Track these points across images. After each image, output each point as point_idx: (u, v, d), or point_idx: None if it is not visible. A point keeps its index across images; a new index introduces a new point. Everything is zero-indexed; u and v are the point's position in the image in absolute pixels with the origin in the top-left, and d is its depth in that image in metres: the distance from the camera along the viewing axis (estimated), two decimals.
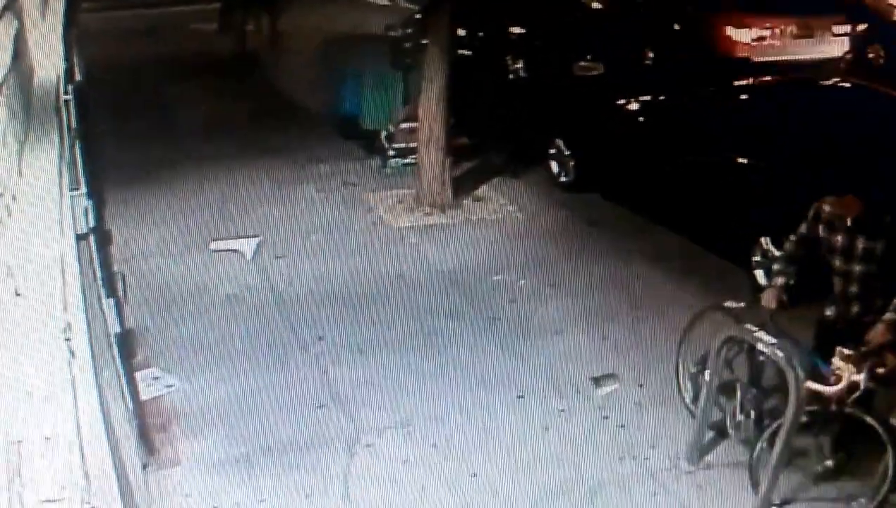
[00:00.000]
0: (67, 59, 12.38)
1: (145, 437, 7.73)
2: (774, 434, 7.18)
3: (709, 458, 7.85)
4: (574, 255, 11.68)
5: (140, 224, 12.34)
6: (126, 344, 8.17)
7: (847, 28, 14.66)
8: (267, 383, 8.97)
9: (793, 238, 7.76)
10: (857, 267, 7.42)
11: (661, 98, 12.69)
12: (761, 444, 7.33)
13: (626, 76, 13.68)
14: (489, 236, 12.41)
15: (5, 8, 8.58)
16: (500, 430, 8.25)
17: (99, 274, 7.54)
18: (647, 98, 12.74)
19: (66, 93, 10.09)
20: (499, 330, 9.96)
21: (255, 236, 12.07)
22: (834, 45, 14.66)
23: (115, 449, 4.61)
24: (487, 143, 15.11)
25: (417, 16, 16.28)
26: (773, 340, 7.20)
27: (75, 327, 4.68)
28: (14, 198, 5.76)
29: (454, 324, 10.08)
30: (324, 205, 13.43)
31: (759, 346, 7.30)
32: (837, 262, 7.50)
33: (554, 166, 13.95)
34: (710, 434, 7.92)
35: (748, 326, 7.44)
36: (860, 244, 7.37)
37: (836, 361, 6.90)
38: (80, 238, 6.67)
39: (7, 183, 5.79)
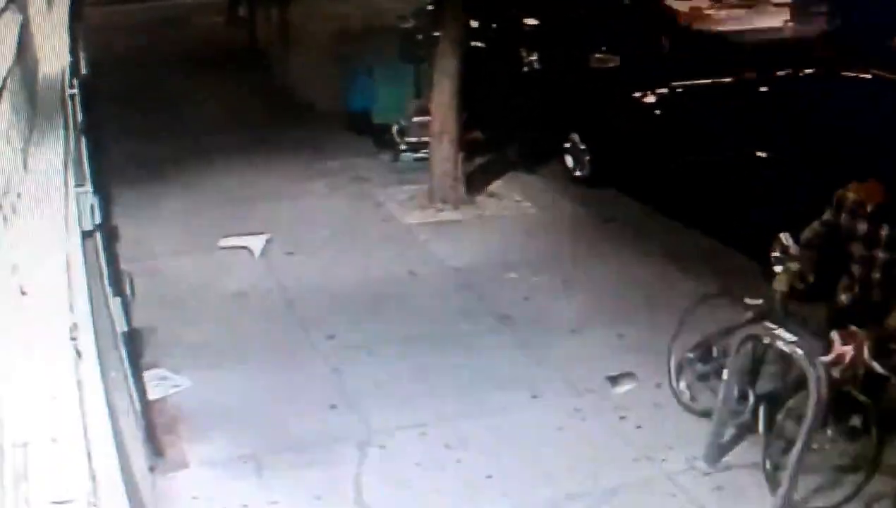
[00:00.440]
0: (73, 52, 12.37)
1: (153, 438, 7.74)
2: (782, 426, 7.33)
3: (727, 459, 7.84)
4: (589, 252, 11.68)
5: (147, 221, 12.37)
6: (133, 343, 8.18)
7: None
8: (276, 383, 8.98)
9: (814, 224, 7.78)
10: (880, 254, 7.45)
11: (679, 90, 12.68)
12: (771, 436, 7.48)
13: (642, 68, 13.66)
14: (503, 232, 12.41)
15: (10, 1, 8.59)
16: (515, 431, 8.25)
17: (105, 272, 7.55)
18: (665, 90, 12.73)
19: (71, 87, 10.09)
20: (512, 329, 9.97)
21: (263, 233, 12.09)
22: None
23: (122, 451, 4.62)
24: (501, 137, 15.10)
25: (429, 7, 16.29)
26: (794, 338, 7.20)
27: (81, 326, 4.68)
28: (19, 195, 5.77)
29: (467, 323, 10.09)
30: (334, 201, 13.44)
31: (779, 344, 7.30)
32: (858, 249, 7.53)
33: (569, 160, 13.95)
34: (728, 435, 7.93)
35: (768, 324, 7.44)
36: (883, 231, 7.40)
37: (835, 337, 7.05)
38: (86, 235, 6.68)
39: (12, 180, 5.81)
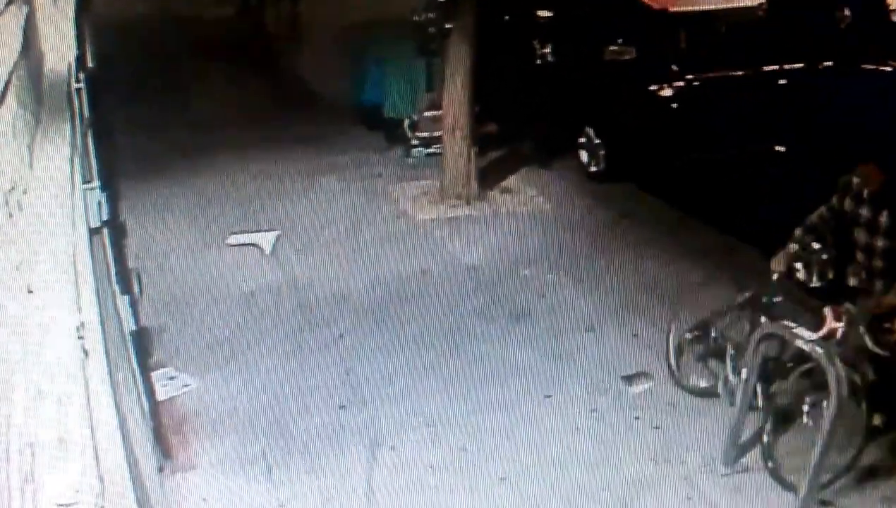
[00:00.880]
0: (79, 45, 12.39)
1: (161, 439, 7.76)
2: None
3: (745, 460, 7.84)
4: (605, 248, 11.68)
5: (155, 218, 12.40)
6: (141, 342, 8.20)
7: None
8: (286, 383, 8.99)
9: (821, 209, 8.02)
10: (880, 242, 7.68)
11: (697, 83, 12.66)
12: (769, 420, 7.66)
13: (658, 60, 13.62)
14: (517, 229, 12.41)
15: None
16: (529, 432, 8.25)
17: (113, 270, 7.56)
18: (681, 83, 12.71)
19: (78, 81, 10.10)
20: (527, 327, 9.97)
21: (273, 230, 12.10)
22: None
23: (131, 452, 4.63)
24: (514, 132, 15.10)
25: None
26: (813, 336, 7.20)
27: (89, 325, 4.69)
28: (25, 191, 5.78)
29: (480, 321, 10.09)
30: (345, 197, 13.45)
31: (798, 343, 7.30)
32: (861, 236, 7.76)
33: (584, 155, 13.95)
34: (746, 436, 7.93)
35: (786, 323, 7.43)
36: (882, 217, 7.62)
37: (828, 313, 7.35)
38: (93, 232, 6.69)
39: (18, 176, 5.82)
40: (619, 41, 13.91)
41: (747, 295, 8.46)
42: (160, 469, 7.40)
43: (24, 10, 9.24)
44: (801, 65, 11.95)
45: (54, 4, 12.72)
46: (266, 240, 11.87)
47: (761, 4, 13.41)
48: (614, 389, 8.82)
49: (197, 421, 8.39)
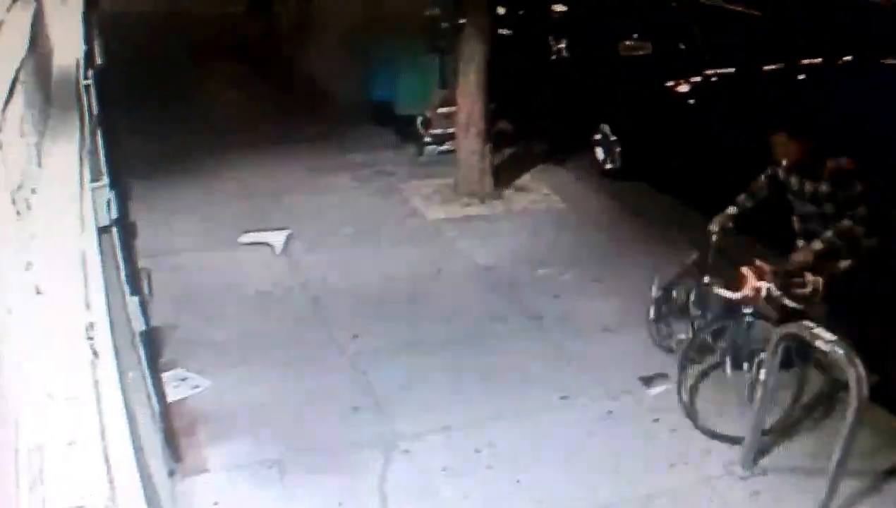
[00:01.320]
0: (88, 42, 12.41)
1: (172, 442, 7.74)
2: None
3: (764, 463, 7.81)
4: (621, 247, 11.66)
5: (165, 216, 12.40)
6: (151, 343, 8.18)
7: None
8: (299, 384, 8.98)
9: (760, 176, 8.74)
10: (808, 208, 8.32)
11: (714, 79, 12.63)
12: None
13: (675, 55, 13.60)
14: (531, 228, 12.40)
15: None
16: (546, 435, 8.23)
17: (123, 269, 7.56)
18: (699, 79, 12.68)
19: (86, 78, 10.11)
20: (542, 328, 9.95)
21: (285, 229, 12.11)
22: None
23: (141, 455, 4.62)
24: (529, 129, 15.09)
25: None
26: (833, 337, 7.17)
27: (98, 326, 4.69)
28: (34, 190, 5.78)
29: (495, 322, 10.07)
30: (357, 195, 13.45)
31: (818, 344, 7.26)
32: (794, 202, 8.48)
33: (599, 153, 13.94)
34: (766, 438, 7.90)
35: (806, 323, 7.40)
36: (806, 185, 8.29)
37: (747, 273, 8.06)
38: (102, 231, 6.69)
39: (26, 174, 5.82)
40: (635, 36, 13.90)
41: (694, 257, 9.17)
42: (171, 473, 7.38)
43: (33, 6, 9.26)
44: (823, 60, 11.89)
45: (63, 1, 12.75)
46: (277, 238, 11.87)
47: None
48: (632, 391, 8.79)
49: (208, 423, 8.38)
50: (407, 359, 9.37)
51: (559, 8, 15.79)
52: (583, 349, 9.47)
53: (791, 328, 7.55)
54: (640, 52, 13.76)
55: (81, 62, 10.54)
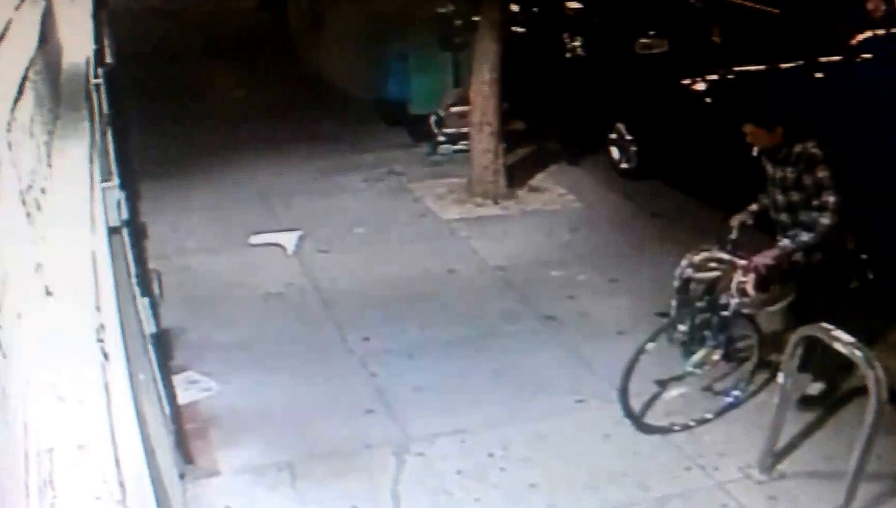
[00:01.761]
0: (98, 40, 12.42)
1: (183, 444, 7.77)
2: None
3: (782, 467, 7.80)
4: (636, 248, 11.66)
5: (176, 217, 12.43)
6: (162, 345, 8.21)
7: None
8: (310, 387, 9.00)
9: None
10: (778, 197, 8.38)
11: (731, 77, 12.61)
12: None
13: (692, 53, 13.57)
14: (545, 228, 12.40)
15: None
16: (560, 438, 8.23)
17: (133, 270, 7.57)
18: (716, 77, 12.66)
19: (96, 77, 10.13)
20: (556, 330, 9.95)
21: (296, 229, 12.13)
22: None
23: (152, 457, 4.63)
24: (543, 128, 15.08)
25: None
26: (851, 339, 7.17)
27: (109, 328, 4.70)
28: (43, 190, 5.79)
29: (509, 324, 10.08)
30: (369, 195, 13.47)
31: (837, 346, 7.26)
32: (771, 190, 8.53)
33: (614, 152, 13.93)
34: (783, 442, 7.89)
35: (824, 325, 7.40)
36: (778, 173, 8.34)
37: (738, 264, 8.23)
38: (112, 232, 6.70)
39: (36, 175, 5.83)
40: (651, 33, 13.88)
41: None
42: (182, 476, 7.40)
43: (42, 4, 9.28)
44: (841, 57, 11.87)
45: None
46: (289, 239, 11.90)
47: None
48: (647, 394, 8.78)
49: (219, 426, 8.40)
50: (419, 361, 9.38)
51: (574, 5, 15.77)
52: (598, 351, 9.46)
53: (809, 330, 7.55)
54: (656, 50, 13.73)
55: (91, 60, 10.55)
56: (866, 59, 11.42)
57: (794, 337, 7.57)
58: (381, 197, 13.43)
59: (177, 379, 8.79)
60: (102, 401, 3.96)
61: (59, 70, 9.52)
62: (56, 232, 5.38)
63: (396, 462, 7.92)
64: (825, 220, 7.94)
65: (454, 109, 14.47)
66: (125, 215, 7.20)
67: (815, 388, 8.45)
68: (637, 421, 8.37)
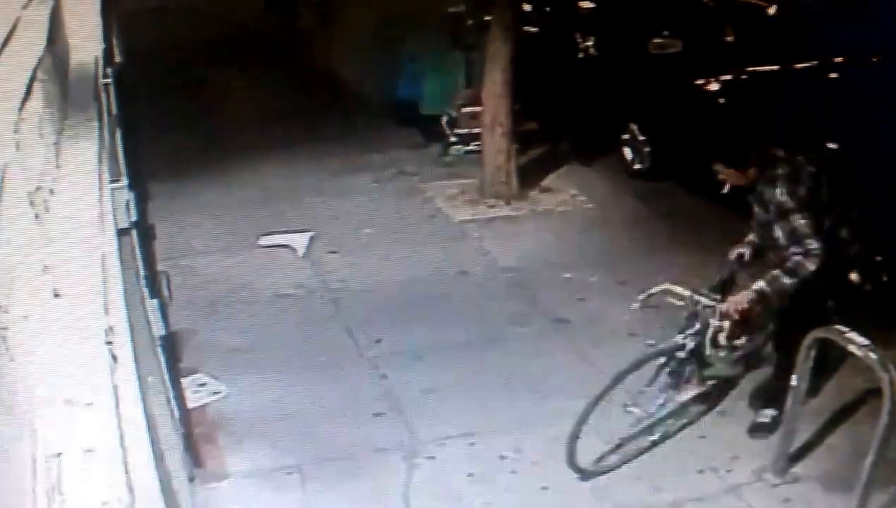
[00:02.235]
0: (107, 39, 12.42)
1: (192, 448, 7.77)
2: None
3: (796, 470, 7.79)
4: (649, 250, 11.63)
5: (185, 218, 12.43)
6: (171, 347, 8.21)
7: None
8: (320, 390, 9.00)
9: None
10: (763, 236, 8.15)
11: (746, 77, 12.59)
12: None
13: (706, 53, 13.55)
14: (557, 229, 12.39)
15: None
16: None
17: (142, 272, 7.58)
18: (730, 77, 12.64)
19: (105, 76, 10.14)
20: (568, 333, 9.94)
21: (307, 231, 12.13)
22: None
23: (161, 461, 4.64)
24: (556, 128, 15.06)
25: None
26: (866, 342, 7.15)
27: (117, 330, 4.70)
28: (52, 191, 5.80)
29: (520, 326, 10.07)
30: (380, 196, 13.46)
31: (851, 348, 7.25)
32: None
33: (627, 153, 13.90)
34: (797, 445, 7.88)
35: (838, 327, 7.38)
36: (760, 215, 8.12)
37: (701, 298, 8.00)
38: (121, 233, 6.71)
39: (44, 175, 5.83)
40: (665, 33, 13.85)
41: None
42: (191, 479, 7.40)
43: (50, 2, 9.29)
44: (856, 58, 11.85)
45: None
46: (299, 240, 11.89)
47: None
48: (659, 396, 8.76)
49: (228, 429, 8.41)
50: (429, 363, 9.38)
51: (586, 5, 15.75)
52: (608, 354, 9.41)
53: (822, 332, 7.54)
54: (670, 50, 13.71)
55: (100, 60, 10.55)
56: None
57: (807, 340, 7.55)
58: (392, 197, 13.42)
59: (186, 382, 8.80)
60: (111, 405, 3.96)
61: (68, 69, 9.52)
62: (64, 233, 5.38)
63: (406, 465, 7.93)
64: (810, 266, 7.58)
65: (466, 110, 14.44)
66: (134, 216, 7.21)
67: (767, 415, 8.25)
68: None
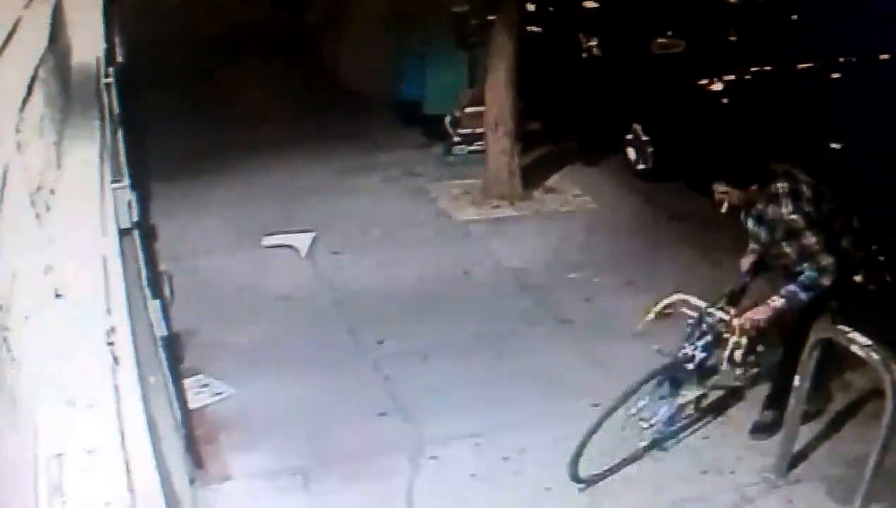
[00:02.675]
0: (108, 38, 12.46)
1: (194, 449, 7.76)
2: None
3: (798, 471, 7.78)
4: (654, 250, 11.62)
5: (187, 218, 12.43)
6: (173, 348, 8.22)
7: None
8: (324, 390, 8.99)
9: None
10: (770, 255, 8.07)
11: (750, 77, 12.59)
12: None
13: (710, 53, 13.55)
14: (562, 230, 12.37)
15: None
16: (576, 441, 8.17)
17: (144, 272, 7.60)
18: (734, 77, 12.63)
19: (107, 76, 10.16)
20: (573, 333, 9.93)
21: (310, 231, 12.12)
22: None
23: (162, 462, 4.64)
24: (560, 128, 15.06)
25: None
26: (868, 342, 7.14)
27: (119, 330, 4.72)
28: (53, 192, 5.82)
29: (525, 327, 10.05)
30: (383, 196, 13.45)
31: (854, 348, 7.23)
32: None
33: (631, 153, 13.88)
34: (799, 446, 7.87)
35: (841, 327, 7.37)
36: (762, 235, 8.00)
37: (716, 311, 7.92)
38: (123, 233, 6.73)
39: (46, 175, 5.85)
40: (669, 33, 13.85)
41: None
42: (192, 481, 7.40)
43: (52, 1, 9.31)
44: (862, 57, 11.85)
45: None
46: (302, 241, 11.89)
47: None
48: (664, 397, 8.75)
49: (231, 430, 8.39)
50: (434, 363, 9.37)
51: (590, 4, 15.74)
52: (614, 354, 9.42)
53: (825, 331, 7.53)
54: (673, 50, 13.71)
55: (102, 59, 10.58)
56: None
57: (810, 339, 7.54)
58: (396, 197, 13.41)
59: (187, 383, 8.80)
60: (112, 405, 3.97)
61: (70, 69, 9.54)
62: (66, 233, 5.39)
63: (410, 465, 7.91)
64: (825, 282, 7.56)
65: (469, 110, 14.43)
66: (135, 216, 7.23)
67: (768, 417, 8.24)
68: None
